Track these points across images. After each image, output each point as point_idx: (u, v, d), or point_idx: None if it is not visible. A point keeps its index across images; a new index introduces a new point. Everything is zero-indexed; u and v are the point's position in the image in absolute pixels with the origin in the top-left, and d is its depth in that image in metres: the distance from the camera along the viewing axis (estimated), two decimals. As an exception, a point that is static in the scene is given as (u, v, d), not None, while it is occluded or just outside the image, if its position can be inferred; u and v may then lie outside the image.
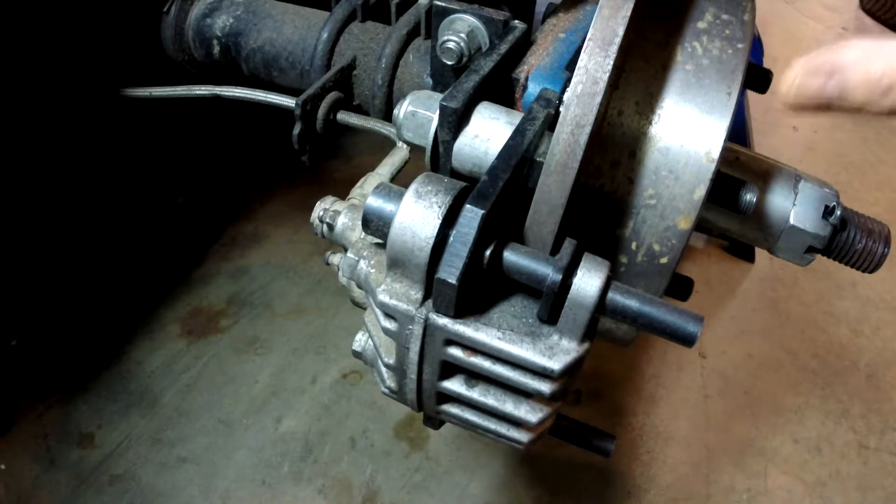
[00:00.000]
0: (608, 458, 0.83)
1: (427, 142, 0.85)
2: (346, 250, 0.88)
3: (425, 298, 0.67)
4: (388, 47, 1.17)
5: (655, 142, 0.78)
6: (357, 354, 0.83)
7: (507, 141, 0.74)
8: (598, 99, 0.68)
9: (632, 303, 0.64)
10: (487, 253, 0.65)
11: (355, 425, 1.71)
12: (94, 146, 1.74)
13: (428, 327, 0.66)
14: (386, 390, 0.77)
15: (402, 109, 0.86)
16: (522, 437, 0.72)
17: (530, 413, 0.69)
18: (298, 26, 1.30)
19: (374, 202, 0.69)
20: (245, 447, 1.65)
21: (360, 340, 0.83)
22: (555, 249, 0.71)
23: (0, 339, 1.74)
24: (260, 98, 1.25)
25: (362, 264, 0.77)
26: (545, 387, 0.66)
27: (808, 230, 0.89)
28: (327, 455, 1.65)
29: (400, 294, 0.67)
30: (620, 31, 0.69)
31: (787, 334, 2.06)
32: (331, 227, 0.91)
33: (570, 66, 0.87)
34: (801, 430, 1.81)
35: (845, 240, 0.91)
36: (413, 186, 0.67)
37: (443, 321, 0.66)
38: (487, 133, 0.81)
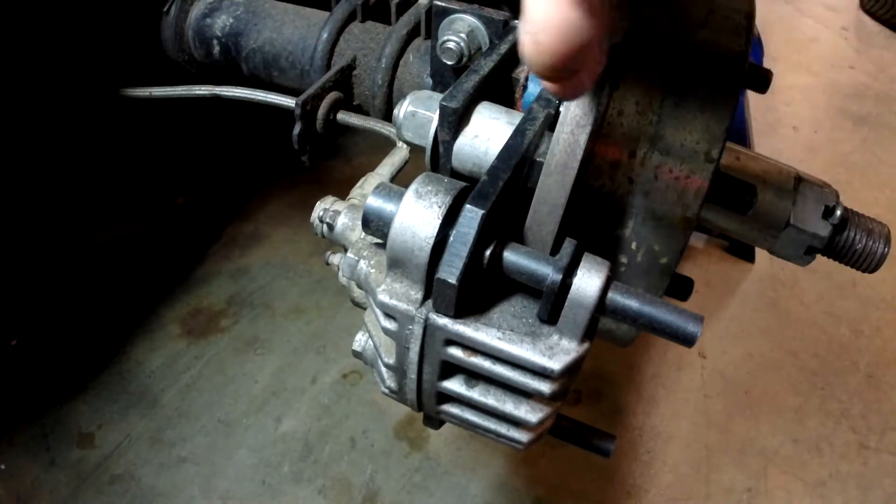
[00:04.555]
0: (608, 458, 0.83)
1: (427, 142, 0.84)
2: (346, 250, 0.87)
3: (425, 298, 0.67)
4: (388, 47, 1.17)
5: (655, 142, 0.78)
6: (357, 354, 0.83)
7: (507, 141, 0.74)
8: (598, 99, 0.68)
9: (632, 303, 0.64)
10: (487, 253, 0.65)
11: (355, 425, 1.71)
12: (94, 146, 1.74)
13: (428, 327, 0.66)
14: (386, 390, 0.77)
15: (402, 109, 0.86)
16: (522, 437, 0.72)
17: (530, 413, 0.69)
18: (298, 26, 1.30)
19: (374, 202, 0.69)
20: (245, 447, 1.65)
21: (360, 340, 0.83)
22: (555, 249, 0.71)
23: (0, 339, 1.74)
24: (260, 98, 1.25)
25: (362, 264, 0.76)
26: (545, 387, 0.65)
27: (808, 230, 0.89)
28: (327, 455, 1.65)
29: (400, 294, 0.67)
30: (620, 31, 0.69)
31: (787, 334, 2.06)
32: (331, 227, 0.91)
33: (570, 66, 0.87)
34: (801, 430, 1.81)
35: (845, 240, 0.91)
36: (413, 186, 0.67)
37: (443, 321, 0.65)
38: (487, 133, 0.81)
